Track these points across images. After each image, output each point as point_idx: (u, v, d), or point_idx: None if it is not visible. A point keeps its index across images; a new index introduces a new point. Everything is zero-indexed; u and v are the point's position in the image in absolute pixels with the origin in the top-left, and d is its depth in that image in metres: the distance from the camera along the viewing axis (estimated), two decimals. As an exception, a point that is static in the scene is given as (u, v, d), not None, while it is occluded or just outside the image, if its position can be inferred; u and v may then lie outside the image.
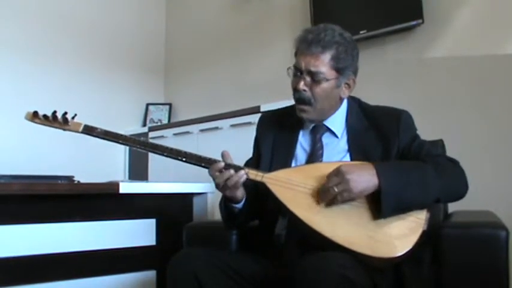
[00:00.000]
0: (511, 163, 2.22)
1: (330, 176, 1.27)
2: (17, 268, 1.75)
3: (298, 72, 1.42)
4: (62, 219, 1.86)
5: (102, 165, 3.77)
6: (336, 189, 1.24)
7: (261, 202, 1.48)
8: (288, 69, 1.46)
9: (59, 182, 1.96)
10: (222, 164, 1.37)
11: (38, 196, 1.80)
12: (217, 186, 1.40)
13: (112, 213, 1.98)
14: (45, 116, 1.43)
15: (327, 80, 1.40)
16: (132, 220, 2.03)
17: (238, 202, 1.46)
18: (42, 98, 3.63)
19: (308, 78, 1.40)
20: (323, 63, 1.38)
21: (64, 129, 1.46)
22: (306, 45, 1.40)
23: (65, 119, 1.44)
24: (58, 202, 1.87)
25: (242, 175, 1.36)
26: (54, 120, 1.43)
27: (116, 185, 1.93)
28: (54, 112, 1.43)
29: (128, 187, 1.97)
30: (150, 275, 2.04)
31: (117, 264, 1.97)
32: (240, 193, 1.43)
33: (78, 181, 2.02)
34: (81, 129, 1.45)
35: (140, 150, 1.49)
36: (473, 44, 2.40)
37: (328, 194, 1.26)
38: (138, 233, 2.03)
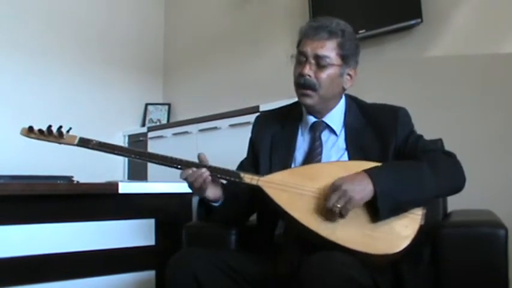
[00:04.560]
0: (509, 162, 2.22)
1: (328, 195, 1.26)
2: (16, 268, 1.75)
3: (303, 58, 1.43)
4: (61, 219, 1.86)
5: (102, 165, 3.75)
6: (339, 205, 1.23)
7: (259, 202, 1.47)
8: (291, 57, 1.47)
9: (58, 182, 1.96)
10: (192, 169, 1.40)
11: (37, 196, 1.80)
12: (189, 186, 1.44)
13: (111, 213, 1.98)
14: (40, 130, 1.45)
15: (333, 65, 1.41)
16: (132, 220, 2.03)
17: (214, 201, 1.48)
18: (41, 98, 3.64)
19: (314, 63, 1.41)
20: (329, 49, 1.41)
21: (60, 143, 1.47)
22: (313, 30, 1.42)
23: (60, 133, 1.46)
24: (57, 202, 1.87)
25: (203, 173, 1.38)
26: (49, 135, 1.46)
27: (115, 185, 1.94)
28: (50, 126, 1.45)
29: (127, 187, 1.97)
30: (150, 275, 2.04)
31: (116, 264, 1.97)
32: (211, 193, 1.45)
33: (78, 181, 2.03)
34: (76, 142, 1.47)
35: (136, 160, 1.50)
36: (472, 43, 2.40)
37: (333, 212, 1.25)
38: (137, 233, 2.03)
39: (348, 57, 1.43)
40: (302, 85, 1.43)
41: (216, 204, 1.49)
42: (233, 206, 1.51)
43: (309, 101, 1.44)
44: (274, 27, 3.42)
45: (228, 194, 1.50)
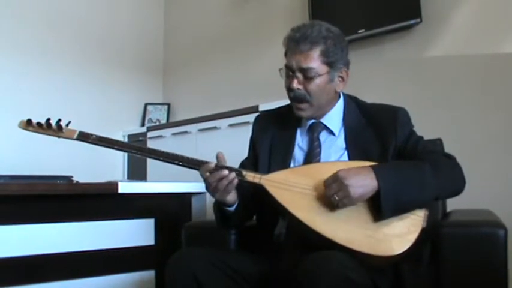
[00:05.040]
0: (509, 162, 2.22)
1: (328, 184, 1.26)
2: (15, 268, 1.75)
3: (290, 72, 1.43)
4: (61, 219, 1.86)
5: (101, 165, 3.77)
6: (337, 198, 1.24)
7: (259, 202, 1.47)
8: (280, 70, 1.47)
9: (58, 182, 1.96)
10: (213, 164, 1.35)
11: (36, 196, 1.80)
12: (208, 187, 1.38)
13: (111, 213, 1.98)
14: (38, 123, 1.42)
15: (319, 75, 1.40)
16: (131, 220, 2.03)
17: (230, 205, 1.45)
18: (40, 98, 3.64)
19: (300, 76, 1.41)
20: (313, 59, 1.39)
21: (58, 137, 1.44)
22: (294, 43, 1.40)
23: (59, 127, 1.43)
24: (57, 202, 1.87)
25: (233, 178, 1.34)
26: (48, 128, 1.42)
27: (114, 184, 1.93)
28: (48, 119, 1.42)
29: (126, 187, 1.97)
30: (149, 275, 2.05)
31: (116, 264, 1.97)
32: (231, 197, 1.41)
33: (77, 181, 2.02)
34: (75, 136, 1.43)
35: (136, 155, 1.48)
36: (471, 43, 2.40)
37: (331, 202, 1.25)
38: (137, 232, 2.03)
39: (333, 62, 1.41)
40: (292, 99, 1.43)
41: (231, 209, 1.46)
42: (241, 207, 1.49)
43: (304, 113, 1.45)
44: (274, 27, 3.41)
45: (238, 196, 1.47)
